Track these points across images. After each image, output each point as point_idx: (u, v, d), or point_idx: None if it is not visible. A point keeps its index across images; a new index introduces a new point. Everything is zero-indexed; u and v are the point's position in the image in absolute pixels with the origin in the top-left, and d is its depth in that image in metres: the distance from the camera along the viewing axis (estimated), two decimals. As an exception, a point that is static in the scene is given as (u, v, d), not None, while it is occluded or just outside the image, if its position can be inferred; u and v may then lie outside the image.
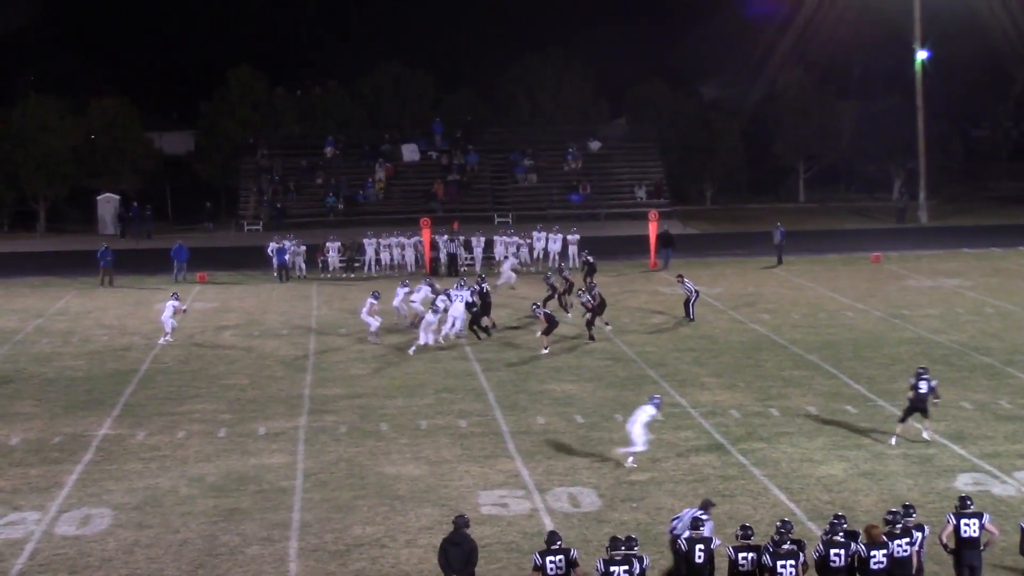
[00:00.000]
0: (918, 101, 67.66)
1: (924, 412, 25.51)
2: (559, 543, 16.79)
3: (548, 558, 16.66)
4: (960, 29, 70.83)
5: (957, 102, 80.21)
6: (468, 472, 24.32)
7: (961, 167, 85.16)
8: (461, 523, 17.74)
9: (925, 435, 25.67)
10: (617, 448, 25.09)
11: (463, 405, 29.52)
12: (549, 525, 20.89)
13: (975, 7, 69.36)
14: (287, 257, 50.73)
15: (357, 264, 52.19)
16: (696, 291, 39.68)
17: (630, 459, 24.47)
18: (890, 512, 17.51)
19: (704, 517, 17.93)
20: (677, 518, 18.51)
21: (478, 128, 78.65)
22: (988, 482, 23.00)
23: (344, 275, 51.24)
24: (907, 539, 17.10)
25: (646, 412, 24.79)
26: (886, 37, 73.40)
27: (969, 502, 18.17)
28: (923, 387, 25.45)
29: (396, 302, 39.32)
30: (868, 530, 17.09)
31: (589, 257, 46.10)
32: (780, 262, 52.02)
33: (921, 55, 67.06)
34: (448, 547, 17.52)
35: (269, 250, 51.82)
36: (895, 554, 16.92)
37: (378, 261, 52.29)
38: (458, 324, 36.77)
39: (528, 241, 52.63)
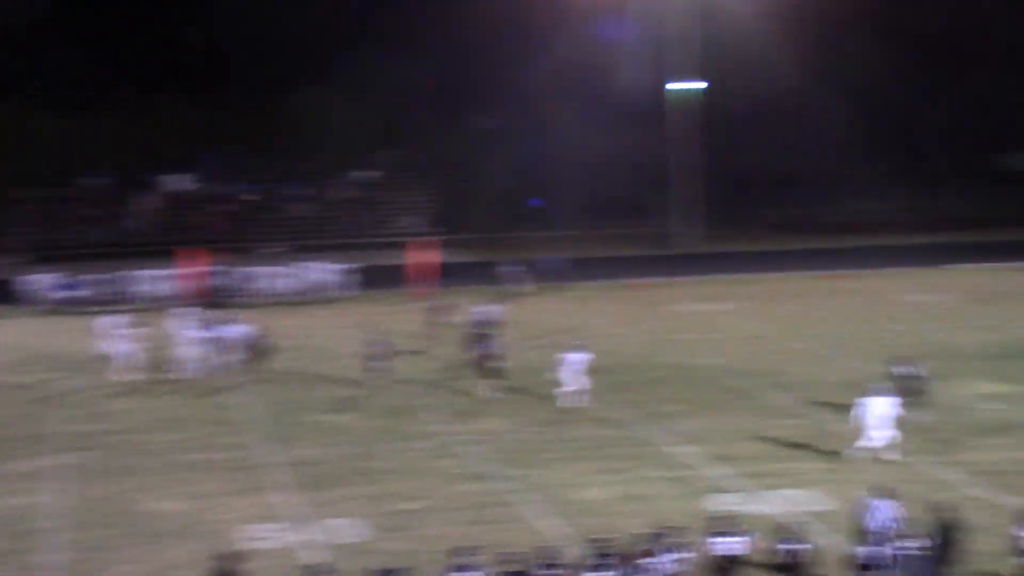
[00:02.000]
0: (675, 133, 70.09)
1: None
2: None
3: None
4: (733, 64, 73.17)
5: (727, 133, 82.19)
6: (232, 506, 23.85)
7: (729, 197, 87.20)
8: (225, 560, 17.37)
9: None
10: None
11: (229, 439, 28.95)
12: (317, 557, 20.61)
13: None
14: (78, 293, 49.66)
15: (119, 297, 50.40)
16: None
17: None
18: (647, 533, 17.83)
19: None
20: None
21: (252, 158, 77.61)
22: (746, 501, 23.66)
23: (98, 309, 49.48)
24: (658, 559, 17.44)
25: (883, 403, 25.43)
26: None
27: (726, 521, 18.65)
28: None
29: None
30: (625, 554, 17.38)
31: None
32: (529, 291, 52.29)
33: (681, 87, 69.64)
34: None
35: (30, 284, 50.24)
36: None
37: (140, 294, 50.69)
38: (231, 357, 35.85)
39: (301, 271, 52.50)
